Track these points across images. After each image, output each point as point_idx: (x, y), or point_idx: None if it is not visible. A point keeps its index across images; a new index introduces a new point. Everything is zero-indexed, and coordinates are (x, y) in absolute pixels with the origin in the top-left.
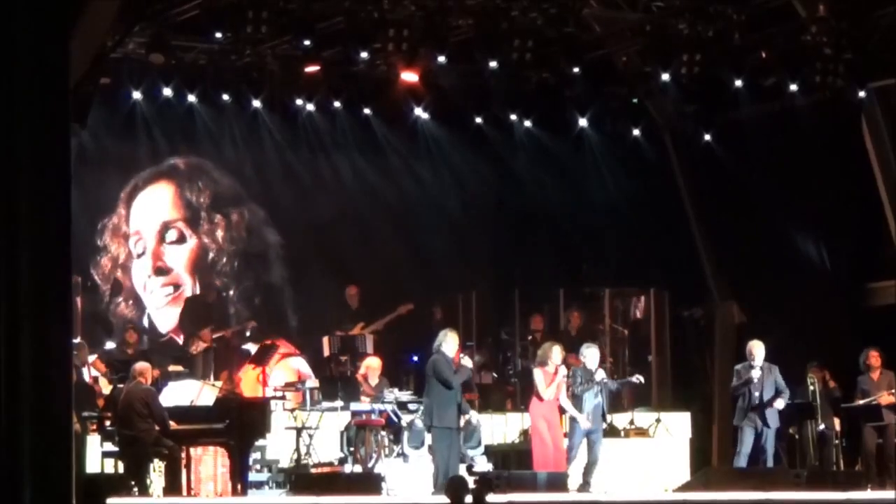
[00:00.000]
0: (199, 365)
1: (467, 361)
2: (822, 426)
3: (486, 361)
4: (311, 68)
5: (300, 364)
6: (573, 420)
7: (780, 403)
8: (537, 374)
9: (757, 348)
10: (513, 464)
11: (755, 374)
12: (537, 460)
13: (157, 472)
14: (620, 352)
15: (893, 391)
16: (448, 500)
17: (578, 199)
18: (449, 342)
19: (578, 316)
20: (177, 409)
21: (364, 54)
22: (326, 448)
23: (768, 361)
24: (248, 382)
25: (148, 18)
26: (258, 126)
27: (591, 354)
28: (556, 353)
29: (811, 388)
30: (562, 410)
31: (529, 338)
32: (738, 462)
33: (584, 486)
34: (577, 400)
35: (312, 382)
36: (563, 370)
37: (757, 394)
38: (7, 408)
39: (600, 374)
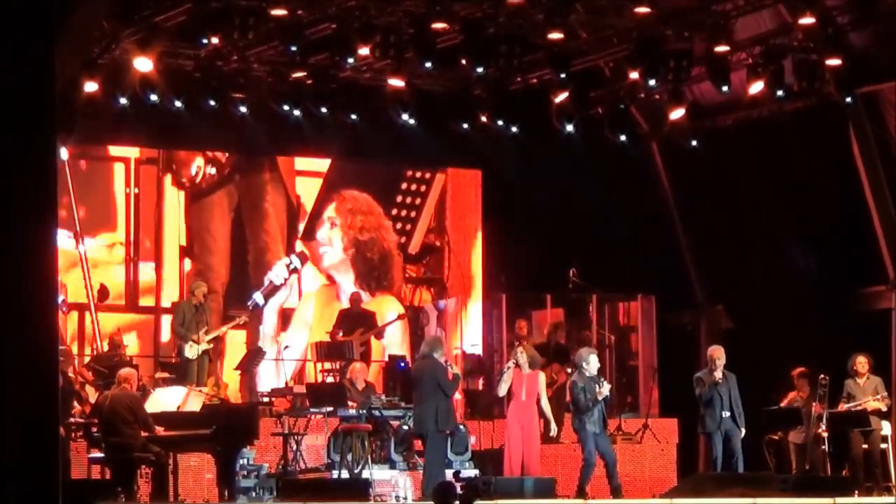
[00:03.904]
0: (194, 369)
1: (456, 369)
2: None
3: (474, 367)
4: (298, 74)
5: None
6: (580, 426)
7: (740, 422)
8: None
9: (718, 354)
10: (500, 470)
11: (718, 376)
12: (505, 464)
13: (143, 479)
14: (607, 357)
15: (879, 397)
16: None
17: (565, 205)
18: (441, 350)
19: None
20: (163, 415)
21: (350, 60)
22: (313, 454)
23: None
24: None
25: (135, 24)
26: (245, 132)
27: (593, 361)
28: (519, 354)
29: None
30: (540, 413)
31: (517, 343)
32: (714, 470)
33: (616, 491)
34: (584, 415)
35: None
36: (541, 376)
37: (724, 400)
38: None
39: (606, 389)
